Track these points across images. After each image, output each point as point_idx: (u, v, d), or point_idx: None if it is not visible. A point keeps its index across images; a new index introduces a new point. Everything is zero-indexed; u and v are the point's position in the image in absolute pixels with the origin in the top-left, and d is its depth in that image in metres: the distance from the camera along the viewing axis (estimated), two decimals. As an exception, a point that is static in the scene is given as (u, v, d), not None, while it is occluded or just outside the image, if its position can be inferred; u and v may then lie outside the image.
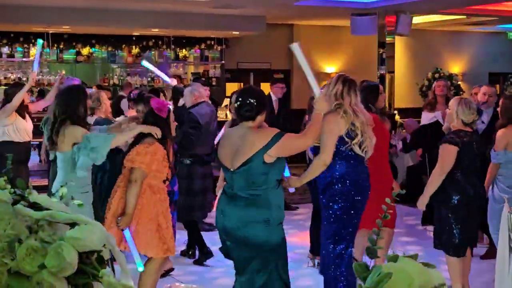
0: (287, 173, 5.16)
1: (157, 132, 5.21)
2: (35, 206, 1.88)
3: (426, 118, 8.83)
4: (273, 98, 10.40)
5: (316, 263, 7.04)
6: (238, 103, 4.56)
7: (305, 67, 4.96)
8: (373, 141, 5.26)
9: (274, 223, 4.48)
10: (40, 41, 7.71)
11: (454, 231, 5.69)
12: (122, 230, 5.14)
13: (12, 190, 1.92)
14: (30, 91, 9.07)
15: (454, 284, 5.75)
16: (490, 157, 6.42)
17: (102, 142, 5.04)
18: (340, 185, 5.18)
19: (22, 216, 1.86)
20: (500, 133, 6.38)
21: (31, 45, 14.35)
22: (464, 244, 5.76)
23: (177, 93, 8.32)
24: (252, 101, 4.53)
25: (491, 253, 7.19)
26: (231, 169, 4.51)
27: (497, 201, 6.26)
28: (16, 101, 7.76)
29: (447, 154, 5.64)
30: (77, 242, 1.75)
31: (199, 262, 7.35)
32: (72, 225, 1.85)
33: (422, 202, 5.83)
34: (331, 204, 5.20)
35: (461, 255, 5.76)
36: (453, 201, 5.66)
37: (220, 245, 4.75)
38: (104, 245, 1.83)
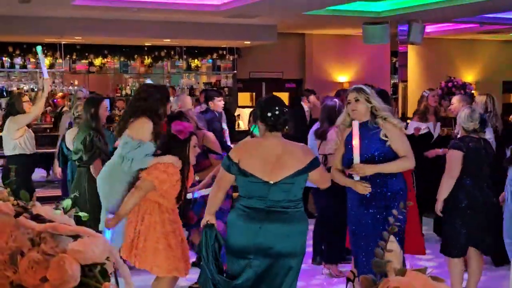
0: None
1: (178, 164, 5.15)
2: (38, 218, 1.86)
3: (412, 127, 8.74)
4: (305, 108, 10.47)
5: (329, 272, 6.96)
6: (276, 112, 4.39)
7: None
8: None
9: (306, 232, 4.54)
10: (39, 47, 7.52)
11: (460, 234, 5.80)
12: (108, 228, 5.14)
13: (15, 202, 1.90)
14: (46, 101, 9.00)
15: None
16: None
17: (141, 159, 5.10)
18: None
19: (25, 228, 1.83)
20: None
21: (43, 55, 14.40)
22: (466, 245, 5.84)
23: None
24: (286, 110, 4.46)
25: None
26: (270, 181, 4.32)
27: None
28: (38, 111, 7.71)
29: (453, 159, 5.76)
30: (79, 255, 1.72)
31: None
32: (75, 237, 1.82)
33: (437, 207, 5.88)
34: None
35: (463, 254, 5.89)
36: (461, 205, 5.76)
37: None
38: (108, 257, 1.80)
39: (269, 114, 4.39)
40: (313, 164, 4.41)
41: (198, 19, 13.38)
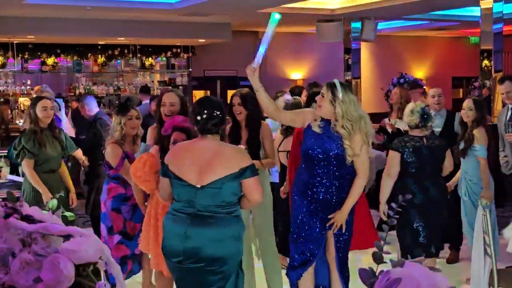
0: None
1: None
2: (28, 219, 1.86)
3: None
4: None
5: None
6: (204, 115, 4.27)
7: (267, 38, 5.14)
8: None
9: (241, 237, 4.40)
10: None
11: (405, 233, 5.86)
12: None
13: (4, 203, 1.90)
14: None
15: None
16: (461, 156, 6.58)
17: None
18: None
19: (15, 229, 1.83)
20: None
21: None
22: (415, 247, 5.85)
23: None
24: (218, 113, 4.31)
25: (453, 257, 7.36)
26: (196, 185, 4.19)
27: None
28: None
29: (390, 159, 5.86)
30: (73, 255, 1.73)
31: None
32: (66, 237, 1.82)
33: (380, 209, 5.91)
34: None
35: (413, 256, 5.80)
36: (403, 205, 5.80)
37: None
38: (100, 257, 1.81)
39: (198, 118, 4.29)
40: (247, 172, 4.22)
41: (152, 17, 13.32)
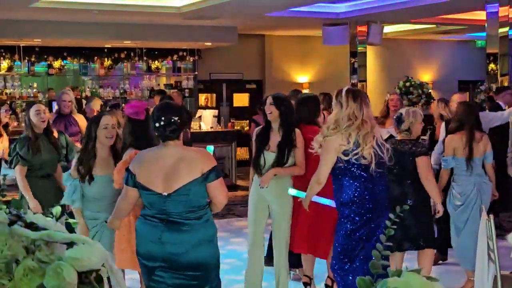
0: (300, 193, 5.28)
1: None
2: (32, 226, 1.87)
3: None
4: None
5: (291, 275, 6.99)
6: (162, 122, 4.20)
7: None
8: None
9: (215, 239, 4.41)
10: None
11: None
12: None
13: (8, 210, 1.92)
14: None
15: None
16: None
17: None
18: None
19: (19, 237, 1.85)
20: (448, 138, 6.64)
21: (1, 58, 14.24)
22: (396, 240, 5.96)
23: None
24: (176, 119, 4.22)
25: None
26: (163, 193, 4.17)
27: (454, 207, 6.64)
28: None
29: None
30: (77, 262, 1.75)
31: None
32: (70, 244, 1.84)
33: None
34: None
35: (397, 249, 6.06)
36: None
37: None
38: (103, 264, 1.83)
39: (156, 125, 4.24)
40: (211, 176, 4.21)
41: (159, 21, 13.35)
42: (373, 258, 1.49)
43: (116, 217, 4.69)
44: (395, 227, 1.64)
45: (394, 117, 6.18)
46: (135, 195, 4.35)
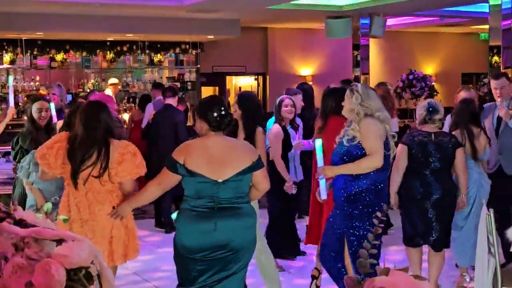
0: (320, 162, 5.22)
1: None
2: (21, 223, 1.87)
3: None
4: None
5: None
6: (222, 112, 4.42)
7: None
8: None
9: (256, 225, 4.62)
10: (10, 78, 7.62)
11: (405, 225, 6.10)
12: None
13: (-3, 207, 1.91)
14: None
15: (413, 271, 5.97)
16: None
17: None
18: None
19: (8, 234, 1.84)
20: None
21: (4, 51, 14.24)
22: (414, 236, 6.05)
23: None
24: (228, 111, 4.52)
25: None
26: (218, 180, 4.32)
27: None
28: None
29: (398, 153, 5.88)
30: (65, 260, 1.74)
31: None
32: (59, 241, 1.83)
33: (391, 200, 6.02)
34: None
35: (412, 245, 6.09)
36: (404, 198, 6.01)
37: None
38: (92, 261, 1.82)
39: (215, 114, 4.40)
40: (259, 163, 4.49)
41: (161, 14, 13.32)
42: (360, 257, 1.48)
43: (135, 204, 4.79)
44: (382, 225, 1.62)
45: (424, 107, 6.01)
46: (174, 182, 4.48)
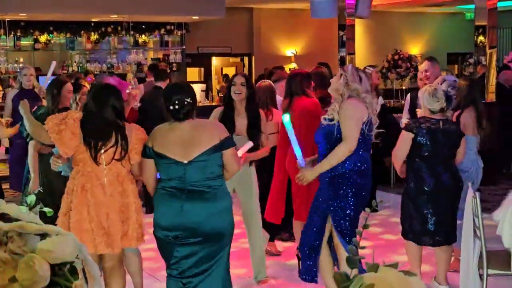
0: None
1: None
2: (4, 217, 1.83)
3: None
4: None
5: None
6: (176, 106, 4.38)
7: (293, 138, 5.06)
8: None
9: (232, 209, 4.55)
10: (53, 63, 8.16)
11: (408, 217, 5.75)
12: None
13: (-21, 201, 1.87)
14: None
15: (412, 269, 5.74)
16: None
17: None
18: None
19: (-9, 228, 1.81)
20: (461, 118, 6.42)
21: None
22: (420, 230, 5.72)
23: None
24: (189, 100, 4.40)
25: None
26: (183, 161, 4.32)
27: None
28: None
29: (401, 140, 5.70)
30: (49, 255, 1.71)
31: None
32: (43, 235, 1.80)
33: (398, 171, 5.94)
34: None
35: (420, 243, 5.76)
36: (409, 188, 5.73)
37: None
38: (77, 255, 1.79)
39: (170, 108, 4.39)
40: (227, 142, 4.43)
41: (145, -6, 13.22)
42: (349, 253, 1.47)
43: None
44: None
45: (441, 96, 5.61)
46: (151, 167, 4.52)
